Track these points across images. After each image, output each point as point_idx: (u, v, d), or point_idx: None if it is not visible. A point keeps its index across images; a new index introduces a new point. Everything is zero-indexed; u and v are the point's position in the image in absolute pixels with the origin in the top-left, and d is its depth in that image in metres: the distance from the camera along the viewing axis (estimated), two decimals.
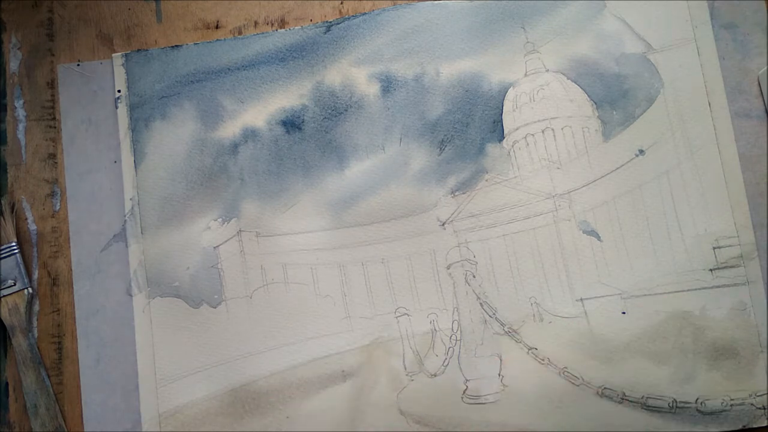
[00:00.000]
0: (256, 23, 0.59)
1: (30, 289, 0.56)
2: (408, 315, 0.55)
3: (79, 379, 0.55)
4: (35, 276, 0.57)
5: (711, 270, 0.53)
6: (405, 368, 0.54)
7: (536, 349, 0.53)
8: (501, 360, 0.53)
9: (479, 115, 0.56)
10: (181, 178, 0.57)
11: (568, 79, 0.56)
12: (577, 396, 0.52)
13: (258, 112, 0.58)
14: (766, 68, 0.55)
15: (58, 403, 0.55)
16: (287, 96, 0.58)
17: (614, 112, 0.55)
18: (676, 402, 0.51)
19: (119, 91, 0.58)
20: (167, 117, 0.58)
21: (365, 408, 0.53)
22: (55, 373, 0.56)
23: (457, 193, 0.55)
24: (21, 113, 0.59)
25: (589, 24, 0.56)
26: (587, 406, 0.52)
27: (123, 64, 0.59)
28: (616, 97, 0.55)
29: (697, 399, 0.51)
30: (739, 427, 0.51)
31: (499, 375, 0.53)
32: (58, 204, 0.58)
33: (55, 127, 0.59)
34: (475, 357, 0.53)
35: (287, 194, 0.57)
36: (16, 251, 0.57)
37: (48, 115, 0.59)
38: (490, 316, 0.54)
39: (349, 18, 0.58)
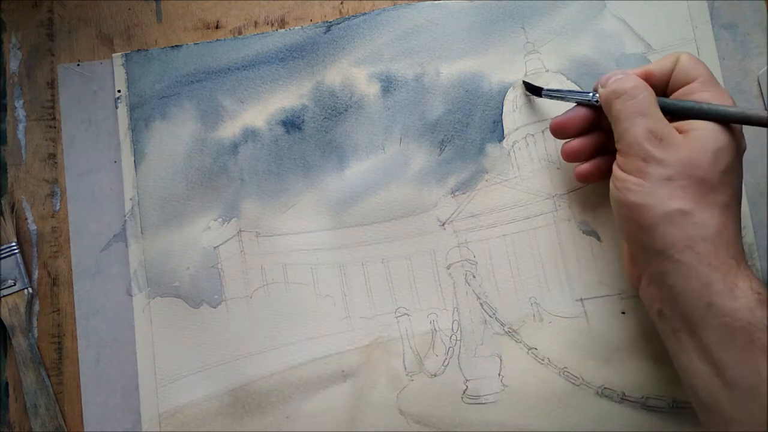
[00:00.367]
0: (256, 23, 0.59)
1: (30, 289, 0.56)
2: (408, 315, 0.55)
3: (79, 379, 0.55)
4: (35, 276, 0.57)
5: None
6: (405, 368, 0.54)
7: (536, 349, 0.53)
8: (501, 360, 0.53)
9: (479, 115, 0.56)
10: (181, 178, 0.57)
11: (568, 79, 0.56)
12: (577, 396, 0.52)
13: (258, 112, 0.58)
14: (766, 68, 0.55)
15: (58, 403, 0.55)
16: (287, 96, 0.58)
17: None
18: (676, 402, 0.51)
19: (119, 91, 0.58)
20: (167, 117, 0.58)
21: (365, 408, 0.53)
22: (55, 373, 0.56)
23: (457, 193, 0.56)
24: (21, 113, 0.59)
25: (589, 24, 0.56)
26: (587, 406, 0.52)
27: (123, 64, 0.59)
28: None
29: None
30: None
31: (499, 375, 0.53)
32: (58, 204, 0.58)
33: (55, 127, 0.59)
34: (475, 357, 0.53)
35: (287, 194, 0.57)
36: (16, 251, 0.57)
37: (48, 115, 0.59)
38: (490, 316, 0.54)
39: (349, 18, 0.58)
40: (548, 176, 0.55)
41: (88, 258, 0.57)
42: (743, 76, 0.55)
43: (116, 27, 0.60)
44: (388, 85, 0.57)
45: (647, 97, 0.44)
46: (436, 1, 0.57)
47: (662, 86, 0.47)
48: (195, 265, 0.56)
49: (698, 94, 0.44)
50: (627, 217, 0.44)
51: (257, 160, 0.57)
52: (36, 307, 0.57)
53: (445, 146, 0.56)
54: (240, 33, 0.59)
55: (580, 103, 0.50)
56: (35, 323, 0.56)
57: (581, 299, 0.53)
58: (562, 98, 0.51)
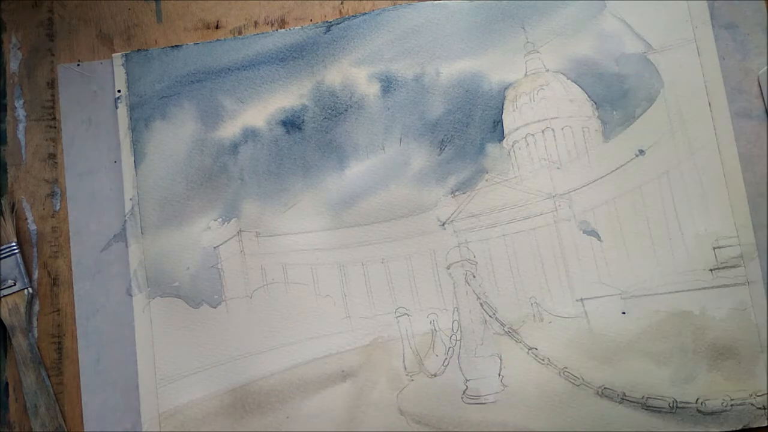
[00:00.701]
0: (256, 23, 0.59)
1: (30, 289, 0.56)
2: (408, 315, 0.55)
3: (79, 379, 0.55)
4: (35, 276, 0.57)
5: (711, 270, 0.53)
6: (405, 368, 0.54)
7: (536, 349, 0.53)
8: (501, 360, 0.53)
9: (479, 115, 0.56)
10: (181, 178, 0.57)
11: (568, 79, 0.56)
12: (577, 396, 0.52)
13: (258, 112, 0.58)
14: (766, 68, 0.55)
15: (58, 403, 0.55)
16: (287, 96, 0.58)
17: (614, 112, 0.55)
18: (676, 402, 0.51)
19: (119, 91, 0.58)
20: (167, 117, 0.58)
21: (365, 408, 0.53)
22: (55, 373, 0.56)
23: (457, 193, 0.55)
24: (21, 113, 0.59)
25: (589, 24, 0.56)
26: (587, 406, 0.52)
27: (123, 64, 0.59)
28: (616, 97, 0.55)
29: (697, 399, 0.51)
30: (740, 427, 0.51)
31: (499, 375, 0.53)
32: (58, 204, 0.58)
33: (55, 127, 0.59)
34: (475, 357, 0.53)
35: (287, 194, 0.57)
36: (16, 251, 0.57)
37: (48, 115, 0.59)
38: (490, 316, 0.54)
39: (349, 18, 0.58)
40: (548, 176, 0.55)
41: (88, 258, 0.57)
42: (743, 76, 0.55)
43: (116, 27, 0.60)
44: (388, 85, 0.57)
45: None
46: (436, 1, 0.57)
47: None
48: (195, 265, 0.56)
49: None
50: None
51: (257, 160, 0.57)
52: (36, 307, 0.57)
53: (445, 146, 0.56)
54: (240, 33, 0.59)
55: None
56: (35, 323, 0.56)
57: (581, 299, 0.53)
58: None
